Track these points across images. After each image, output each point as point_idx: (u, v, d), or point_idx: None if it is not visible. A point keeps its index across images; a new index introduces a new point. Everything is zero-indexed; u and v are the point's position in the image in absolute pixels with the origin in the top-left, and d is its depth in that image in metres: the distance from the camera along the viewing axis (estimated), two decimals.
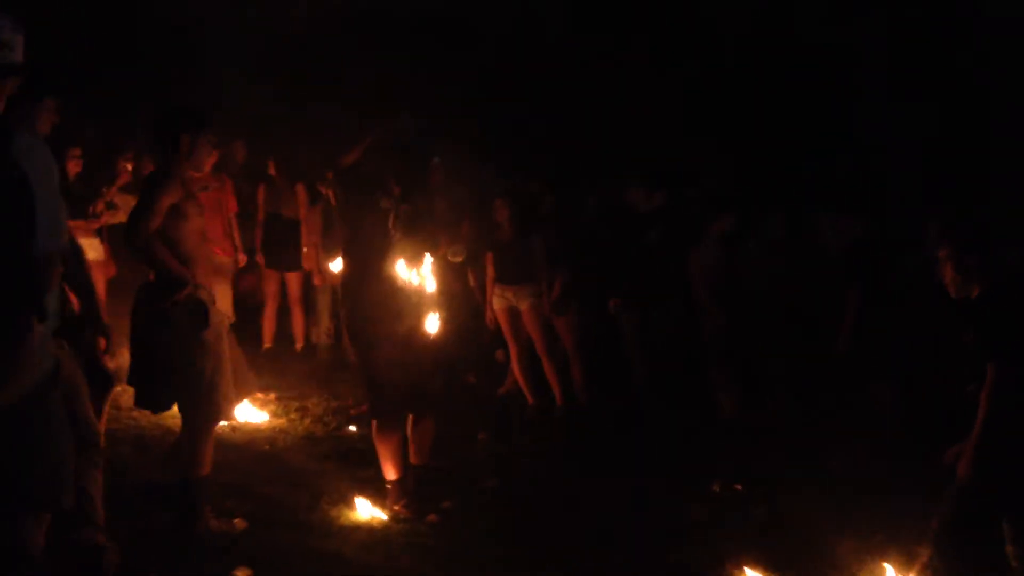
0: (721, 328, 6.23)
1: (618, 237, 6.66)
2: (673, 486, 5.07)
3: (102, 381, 3.51)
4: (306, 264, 7.95)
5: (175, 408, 4.18)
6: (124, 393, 5.79)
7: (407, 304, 4.51)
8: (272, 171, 7.97)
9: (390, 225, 4.46)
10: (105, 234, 7.01)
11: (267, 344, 8.01)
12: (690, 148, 8.82)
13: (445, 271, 6.04)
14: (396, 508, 4.58)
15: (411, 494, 4.62)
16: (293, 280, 8.12)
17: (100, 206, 6.73)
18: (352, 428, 6.02)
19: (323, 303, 8.01)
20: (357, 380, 6.69)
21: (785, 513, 4.66)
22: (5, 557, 2.06)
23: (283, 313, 8.30)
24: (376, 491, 4.68)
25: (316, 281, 8.00)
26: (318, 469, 5.17)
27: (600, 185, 7.54)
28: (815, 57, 9.67)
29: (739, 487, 5.03)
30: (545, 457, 5.76)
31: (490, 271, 6.72)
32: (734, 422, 6.13)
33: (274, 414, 6.24)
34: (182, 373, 4.03)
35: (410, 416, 4.70)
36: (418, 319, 4.55)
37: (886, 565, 4.00)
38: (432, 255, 4.70)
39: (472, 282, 7.43)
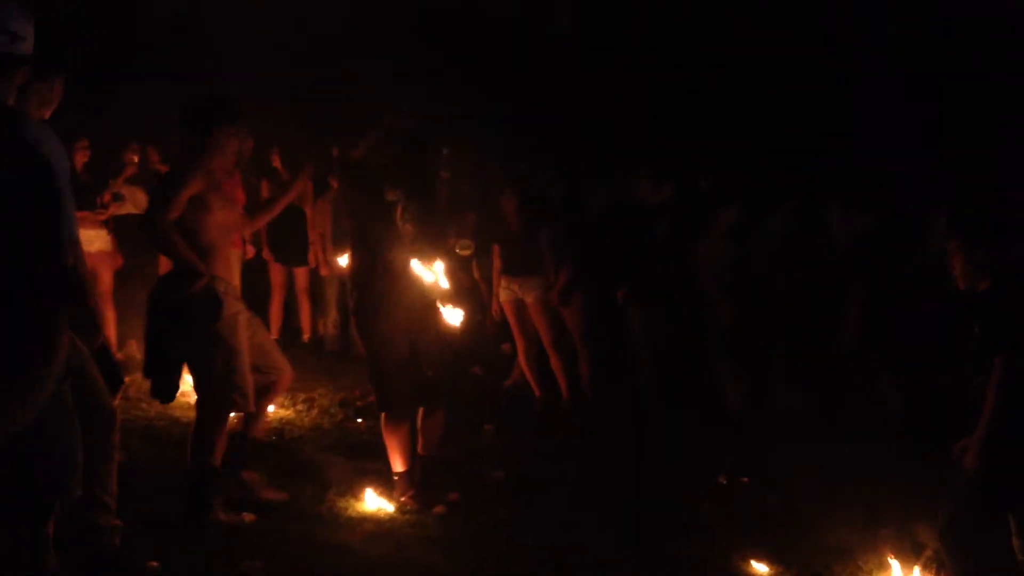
0: (729, 321, 6.22)
1: (626, 230, 6.65)
2: (680, 479, 5.07)
3: (113, 376, 3.53)
4: (311, 257, 7.96)
5: (184, 398, 4.20)
6: (132, 384, 5.83)
7: (416, 296, 4.52)
8: (276, 164, 7.98)
9: (397, 217, 4.46)
10: (112, 225, 7.03)
11: (274, 335, 8.02)
12: (698, 141, 8.80)
13: (452, 264, 6.05)
14: (403, 500, 4.59)
15: (418, 486, 4.63)
16: (300, 272, 8.14)
17: (107, 197, 6.75)
18: (359, 420, 6.04)
19: (330, 294, 8.02)
20: (364, 372, 6.71)
21: (792, 506, 4.66)
22: (14, 543, 2.05)
23: (290, 304, 8.32)
24: (383, 483, 4.69)
25: (323, 272, 8.02)
26: (325, 460, 5.19)
27: (608, 177, 7.53)
28: (823, 51, 9.63)
29: (746, 480, 5.03)
30: (551, 450, 5.76)
31: (496, 263, 6.72)
32: (741, 415, 6.13)
33: (281, 405, 6.26)
34: (194, 364, 4.05)
35: (420, 408, 4.70)
36: (427, 311, 4.56)
37: (892, 558, 3.99)
38: (440, 248, 4.70)
39: (477, 274, 7.44)
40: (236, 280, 4.25)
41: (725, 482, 5.01)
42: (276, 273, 8.07)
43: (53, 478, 2.11)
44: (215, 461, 4.14)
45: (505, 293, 6.66)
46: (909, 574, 3.96)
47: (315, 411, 6.23)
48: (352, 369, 7.14)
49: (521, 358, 6.77)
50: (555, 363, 6.56)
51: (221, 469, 4.21)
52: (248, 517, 4.24)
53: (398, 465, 4.62)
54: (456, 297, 4.79)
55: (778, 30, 9.86)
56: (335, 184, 7.31)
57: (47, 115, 3.25)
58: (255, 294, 8.06)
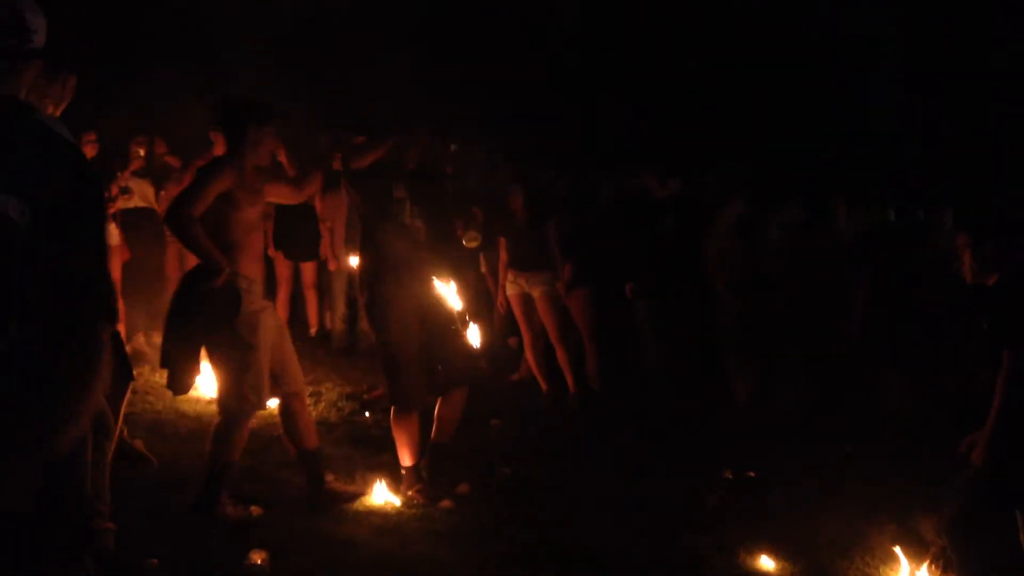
0: (737, 315, 6.21)
1: (632, 224, 6.64)
2: (686, 473, 5.07)
3: (124, 371, 3.53)
4: (322, 251, 7.95)
5: (192, 393, 4.20)
6: (139, 376, 5.84)
7: (427, 292, 4.54)
8: (282, 159, 7.94)
9: (406, 215, 4.47)
10: (119, 218, 7.04)
11: None
12: (705, 136, 8.79)
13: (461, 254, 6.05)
14: (410, 494, 4.60)
15: (425, 480, 4.63)
16: (307, 266, 8.13)
17: (115, 190, 6.76)
18: (366, 414, 6.04)
19: (338, 288, 8.01)
20: (370, 366, 6.73)
21: (798, 501, 4.66)
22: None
23: (296, 299, 8.32)
24: (390, 476, 4.70)
25: (331, 266, 8.01)
26: (332, 454, 5.19)
27: (615, 171, 7.52)
28: (827, 47, 9.61)
29: (752, 475, 5.03)
30: (558, 444, 5.76)
31: (503, 257, 6.72)
32: (747, 410, 6.12)
33: None
34: (212, 358, 4.09)
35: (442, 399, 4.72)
36: (438, 306, 4.57)
37: (899, 553, 3.99)
38: (449, 244, 4.72)
39: (484, 268, 7.44)
40: (260, 277, 4.21)
41: (731, 477, 5.00)
42: (282, 267, 8.06)
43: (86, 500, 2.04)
44: (230, 456, 4.14)
45: (512, 287, 6.66)
46: (916, 570, 3.95)
47: (322, 405, 6.24)
48: (359, 363, 7.14)
49: (528, 352, 6.78)
50: (561, 357, 6.56)
51: (236, 464, 4.21)
52: (255, 510, 4.25)
53: (406, 459, 4.63)
54: (472, 314, 4.81)
55: (782, 26, 9.83)
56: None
57: (59, 111, 3.25)
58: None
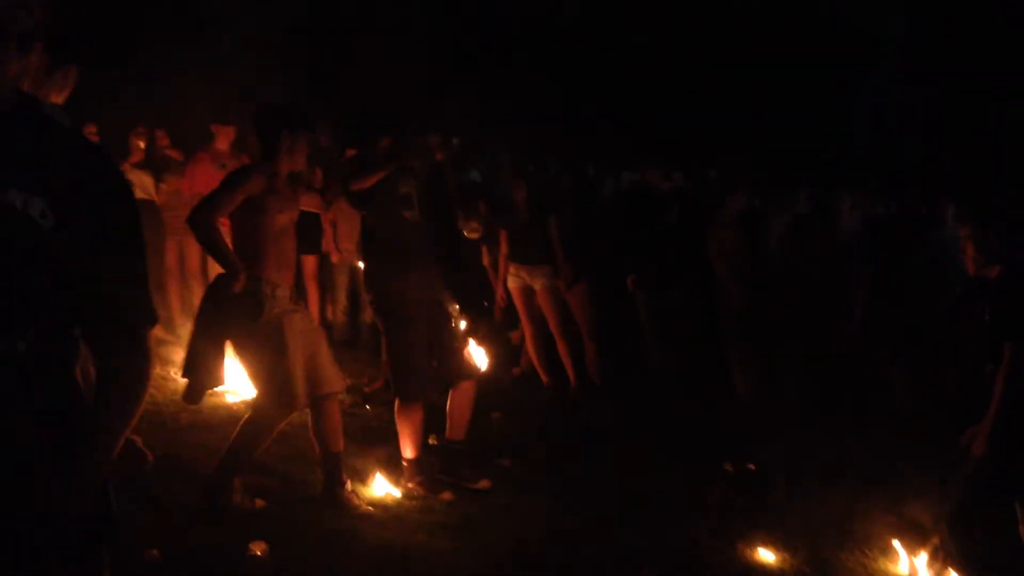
0: (738, 309, 6.21)
1: (636, 217, 6.64)
2: (687, 466, 5.07)
3: None
4: (323, 244, 7.95)
5: None
6: None
7: (432, 287, 4.56)
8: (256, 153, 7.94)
9: (413, 208, 4.48)
10: None
11: None
12: (709, 129, 8.78)
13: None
14: (411, 486, 4.60)
15: (427, 473, 4.64)
16: (308, 259, 8.12)
17: None
18: (367, 407, 6.04)
19: (340, 281, 8.00)
20: (372, 358, 6.74)
21: (798, 493, 4.66)
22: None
23: (298, 291, 8.32)
24: (391, 469, 4.70)
25: (333, 259, 8.00)
26: None
27: (618, 165, 7.53)
28: (835, 40, 9.59)
29: (752, 467, 5.03)
30: (559, 437, 5.76)
31: (503, 250, 6.71)
32: (749, 403, 6.12)
33: None
34: (242, 361, 4.11)
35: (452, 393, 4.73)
36: (445, 302, 4.58)
37: (898, 546, 3.99)
38: (453, 241, 4.73)
39: (486, 260, 7.43)
40: (288, 283, 4.20)
41: (732, 469, 5.01)
42: None
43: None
44: (251, 452, 4.15)
45: (513, 280, 6.66)
46: (915, 561, 3.95)
47: None
48: (361, 356, 7.14)
49: (529, 345, 6.77)
50: (563, 350, 6.56)
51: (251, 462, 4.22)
52: (259, 503, 4.25)
53: (408, 451, 4.64)
54: (479, 337, 4.81)
55: (785, 20, 9.81)
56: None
57: (61, 102, 3.23)
58: None
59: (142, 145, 7.20)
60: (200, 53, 8.97)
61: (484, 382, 6.59)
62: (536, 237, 6.52)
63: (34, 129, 1.70)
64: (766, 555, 4.05)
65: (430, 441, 4.95)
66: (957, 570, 3.75)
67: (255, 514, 4.15)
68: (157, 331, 6.33)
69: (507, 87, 9.77)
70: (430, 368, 4.58)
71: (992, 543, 3.57)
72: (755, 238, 6.35)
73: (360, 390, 6.38)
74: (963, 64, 8.70)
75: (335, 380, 4.29)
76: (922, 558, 3.97)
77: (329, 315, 8.26)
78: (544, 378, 6.70)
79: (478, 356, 4.67)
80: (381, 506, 4.44)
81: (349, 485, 4.42)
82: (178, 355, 6.17)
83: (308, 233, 7.95)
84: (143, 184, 7.21)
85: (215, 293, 4.07)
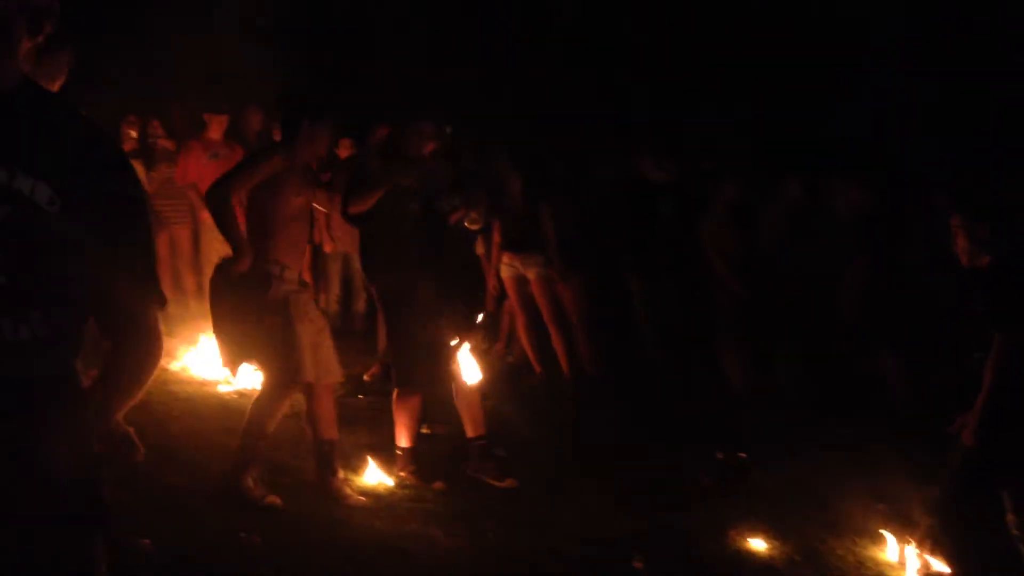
0: (733, 298, 6.22)
1: (629, 207, 6.64)
2: (679, 455, 5.09)
3: None
4: (315, 233, 7.94)
5: (183, 374, 4.21)
6: None
7: (438, 278, 4.57)
8: (278, 139, 7.92)
9: (413, 200, 4.49)
10: None
11: None
12: (704, 117, 8.76)
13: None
14: (403, 475, 4.61)
15: (419, 462, 4.65)
16: None
17: None
18: (360, 396, 6.05)
19: (333, 270, 8.00)
20: (365, 346, 6.74)
21: (789, 481, 4.68)
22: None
23: None
24: (384, 458, 4.71)
25: (326, 248, 7.99)
26: None
27: (612, 156, 7.51)
28: (830, 25, 9.56)
29: (743, 456, 5.05)
30: (552, 426, 5.77)
31: (496, 239, 6.70)
32: (742, 392, 6.14)
33: None
34: (250, 339, 4.12)
35: (455, 389, 4.73)
36: (448, 292, 4.59)
37: (887, 533, 4.01)
38: (451, 223, 4.73)
39: (480, 250, 7.42)
40: (297, 265, 4.23)
41: (722, 457, 5.03)
42: None
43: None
44: (263, 429, 4.15)
45: (507, 269, 6.66)
46: (902, 549, 3.98)
47: None
48: (353, 344, 7.13)
49: (521, 334, 6.78)
50: (556, 339, 6.57)
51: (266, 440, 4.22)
52: (273, 499, 4.15)
53: (403, 441, 4.65)
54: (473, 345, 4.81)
55: (779, 5, 9.78)
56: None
57: (56, 88, 3.21)
58: None
59: (134, 134, 7.17)
60: (194, 39, 8.91)
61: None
62: (530, 226, 6.52)
63: (39, 111, 1.68)
64: (756, 543, 4.07)
65: (423, 430, 4.96)
66: (945, 558, 3.78)
67: (272, 508, 4.10)
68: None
69: (500, 74, 9.74)
70: (431, 359, 4.58)
71: (981, 530, 3.58)
72: (747, 229, 6.35)
73: (353, 379, 6.38)
74: (959, 53, 8.68)
75: (335, 370, 4.32)
76: (911, 546, 3.99)
77: (322, 304, 8.26)
78: (537, 367, 6.71)
79: (471, 367, 4.65)
80: (373, 495, 4.45)
81: (341, 474, 4.43)
82: (169, 344, 6.18)
83: None
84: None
85: (223, 273, 4.12)
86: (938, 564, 3.88)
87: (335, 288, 8.03)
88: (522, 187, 6.55)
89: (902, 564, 4.04)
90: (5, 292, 1.60)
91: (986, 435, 3.50)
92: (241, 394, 5.79)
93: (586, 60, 10.01)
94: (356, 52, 10.07)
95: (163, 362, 5.49)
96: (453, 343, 4.62)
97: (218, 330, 4.19)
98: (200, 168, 6.90)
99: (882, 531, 4.05)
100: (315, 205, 7.83)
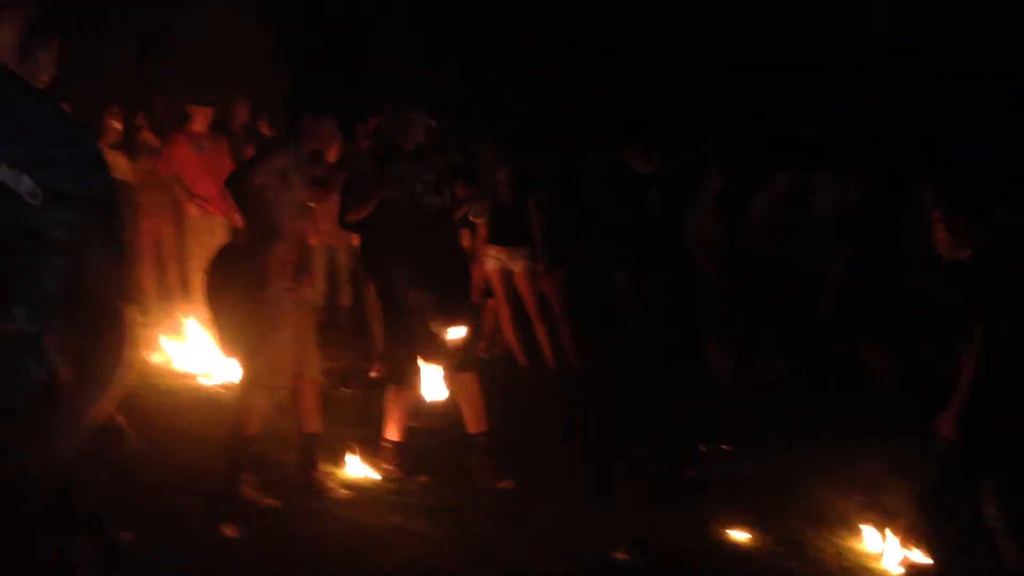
0: (716, 290, 6.24)
1: (616, 199, 6.65)
2: (662, 446, 5.11)
3: None
4: None
5: (164, 367, 4.20)
6: None
7: (437, 273, 4.57)
8: (264, 130, 7.89)
9: (407, 193, 4.49)
10: None
11: None
12: (692, 110, 8.77)
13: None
14: (388, 467, 4.61)
15: (405, 455, 4.64)
16: None
17: None
18: (344, 389, 6.04)
19: (318, 263, 7.96)
20: (349, 341, 6.74)
21: (771, 473, 4.71)
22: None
23: None
24: (367, 451, 4.70)
25: (311, 241, 7.96)
26: None
27: (598, 147, 7.51)
28: (818, 21, 9.58)
29: (726, 448, 5.07)
30: (536, 419, 5.78)
31: (482, 232, 6.70)
32: (725, 383, 6.16)
33: None
34: (232, 331, 4.13)
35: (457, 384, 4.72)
36: (440, 287, 4.59)
37: (868, 526, 4.04)
38: (453, 217, 4.75)
39: (467, 243, 7.42)
40: (293, 259, 4.23)
41: (706, 450, 5.05)
42: None
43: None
44: (245, 430, 4.13)
45: (492, 262, 6.65)
46: (884, 541, 4.00)
47: None
48: (336, 337, 7.11)
49: (506, 327, 6.78)
50: (540, 332, 6.58)
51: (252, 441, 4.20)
52: (271, 502, 4.13)
53: (392, 434, 4.66)
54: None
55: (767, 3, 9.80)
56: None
57: (43, 82, 3.19)
58: None
59: (118, 126, 7.12)
60: (181, 30, 8.87)
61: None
62: (516, 219, 6.52)
63: (20, 104, 1.68)
64: (738, 535, 4.09)
65: (412, 424, 4.94)
66: (926, 550, 3.81)
67: (266, 510, 4.07)
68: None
69: (487, 67, 9.73)
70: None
71: (960, 522, 3.61)
72: (734, 223, 6.37)
73: (337, 373, 6.37)
74: (944, 51, 8.72)
75: (316, 364, 4.32)
76: (892, 538, 4.02)
77: (309, 297, 8.23)
78: (522, 360, 6.71)
79: (436, 384, 4.64)
80: (356, 488, 4.45)
81: (324, 467, 4.42)
82: (151, 337, 6.16)
83: None
84: (119, 165, 7.13)
85: (221, 265, 4.15)
86: (918, 556, 3.91)
87: (320, 282, 8.00)
88: (508, 180, 6.55)
89: (882, 555, 4.07)
90: None
91: (966, 428, 3.52)
92: (225, 387, 5.78)
93: (574, 53, 10.01)
94: (344, 44, 10.04)
95: (146, 355, 5.54)
96: (448, 335, 4.62)
97: (216, 321, 4.21)
98: (185, 161, 6.87)
99: (863, 523, 4.07)
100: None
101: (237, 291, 4.05)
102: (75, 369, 1.79)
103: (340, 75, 9.40)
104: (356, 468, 4.60)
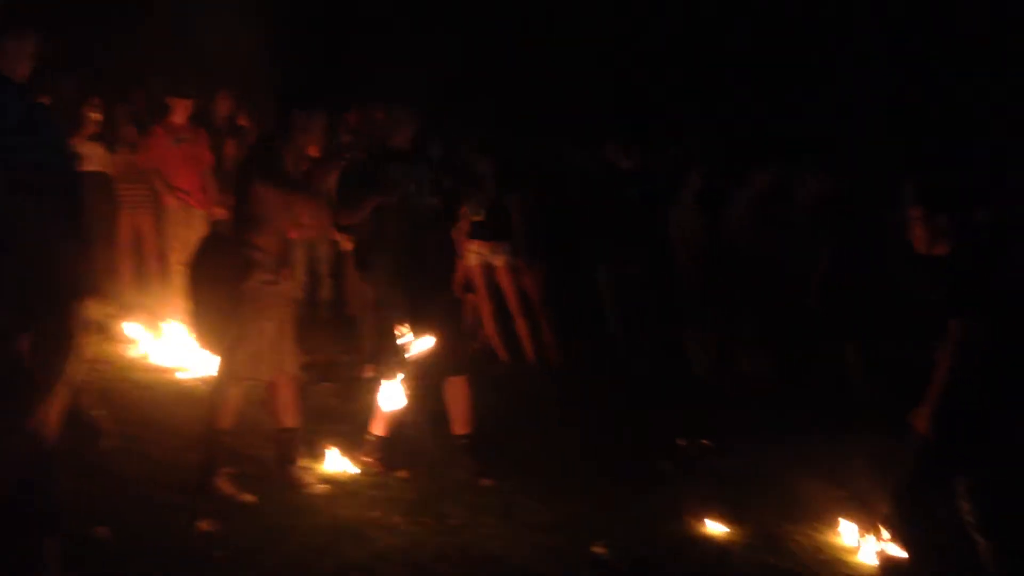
0: (697, 286, 6.26)
1: (597, 195, 6.65)
2: (642, 441, 5.12)
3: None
4: None
5: (142, 360, 4.18)
6: (90, 345, 5.76)
7: (431, 271, 4.58)
8: (243, 123, 7.83)
9: (400, 192, 4.48)
10: None
11: None
12: (673, 106, 8.79)
13: None
14: (368, 460, 4.59)
15: (386, 450, 4.63)
16: None
17: None
18: (323, 383, 6.01)
19: (298, 256, 7.92)
20: (330, 335, 6.71)
21: (749, 467, 4.73)
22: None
23: None
24: (346, 446, 4.69)
25: (292, 235, 7.91)
26: None
27: (580, 144, 7.52)
28: (800, 16, 9.61)
29: (705, 442, 5.09)
30: (515, 412, 5.78)
31: (463, 226, 6.68)
32: (707, 379, 6.19)
33: None
34: (219, 325, 4.11)
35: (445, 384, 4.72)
36: (428, 297, 4.58)
37: (844, 520, 4.06)
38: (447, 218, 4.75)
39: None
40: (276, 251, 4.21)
41: (685, 445, 5.06)
42: None
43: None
44: (220, 422, 4.13)
45: (474, 257, 6.65)
46: (860, 535, 4.03)
47: None
48: (313, 333, 7.07)
49: (487, 322, 6.77)
50: (521, 327, 6.58)
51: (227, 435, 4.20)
52: (247, 497, 4.10)
53: (378, 429, 4.64)
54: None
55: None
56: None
57: (21, 73, 3.16)
58: None
59: (97, 117, 7.05)
60: (162, 22, 8.79)
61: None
62: (498, 214, 6.51)
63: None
64: (715, 528, 4.11)
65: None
66: (900, 544, 3.83)
67: (242, 505, 4.04)
68: (106, 306, 6.29)
69: (469, 64, 9.71)
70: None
71: (934, 517, 3.64)
72: (714, 218, 6.39)
73: (315, 367, 6.34)
74: (927, 49, 8.77)
75: (295, 358, 4.32)
76: (868, 532, 4.05)
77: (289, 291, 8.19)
78: (502, 355, 6.71)
79: (394, 393, 4.63)
80: (335, 482, 4.44)
81: (302, 462, 4.41)
82: (130, 329, 6.11)
83: None
84: (98, 156, 7.07)
85: (202, 257, 4.15)
86: (894, 549, 3.94)
87: (300, 275, 7.96)
88: (491, 176, 6.54)
89: (858, 549, 4.10)
90: None
91: (940, 423, 3.54)
92: (203, 381, 5.74)
93: (557, 49, 10.00)
94: (326, 38, 9.99)
95: (123, 349, 5.49)
96: (413, 344, 4.62)
97: (196, 313, 4.20)
98: (164, 153, 6.82)
99: (839, 517, 4.10)
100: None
101: (218, 283, 4.07)
102: (32, 363, 1.78)
103: (321, 69, 9.35)
104: (335, 462, 4.59)
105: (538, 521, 4.15)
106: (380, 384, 4.62)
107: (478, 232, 6.59)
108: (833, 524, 4.14)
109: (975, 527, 3.61)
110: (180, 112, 6.92)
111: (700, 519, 4.16)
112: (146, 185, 7.00)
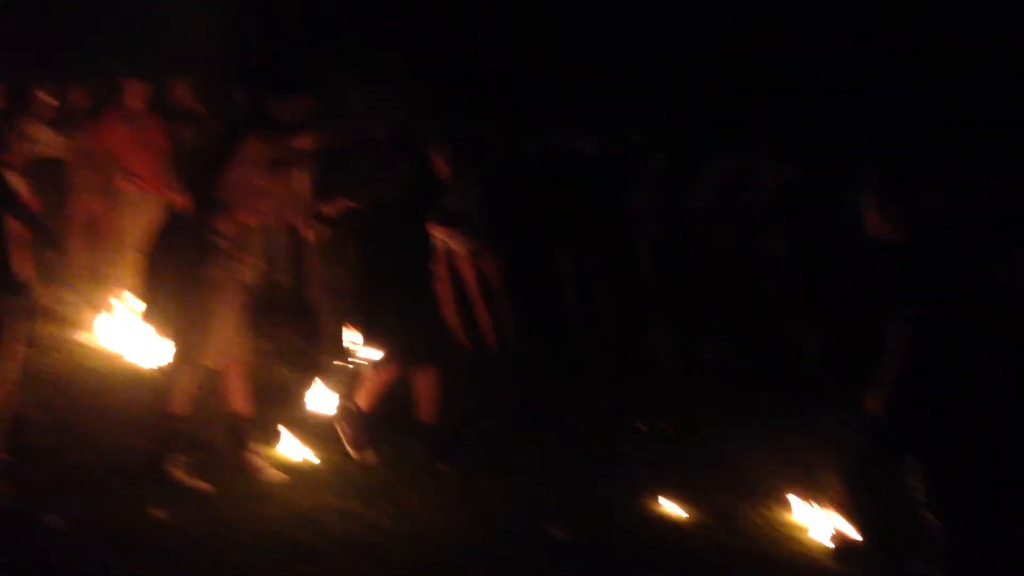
0: (659, 271, 6.29)
1: (559, 180, 6.64)
2: (601, 423, 5.15)
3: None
4: None
5: (92, 345, 4.13)
6: (41, 331, 5.66)
7: (402, 262, 4.64)
8: (200, 109, 7.70)
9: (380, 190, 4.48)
10: (23, 168, 6.75)
11: None
12: (634, 91, 8.79)
13: None
14: (339, 428, 4.56)
15: (358, 428, 4.60)
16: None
17: (13, 139, 6.46)
18: (282, 369, 5.97)
19: (257, 243, 7.83)
20: (285, 320, 6.66)
21: (704, 448, 4.78)
22: None
23: None
24: (303, 432, 4.65)
25: (251, 221, 7.82)
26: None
27: (543, 126, 7.49)
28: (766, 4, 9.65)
29: (664, 425, 5.12)
30: (476, 397, 5.77)
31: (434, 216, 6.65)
32: (665, 363, 6.22)
33: None
34: (174, 310, 4.10)
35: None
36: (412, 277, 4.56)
37: (796, 498, 4.12)
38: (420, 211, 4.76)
39: None
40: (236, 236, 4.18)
41: (643, 427, 5.10)
42: None
43: None
44: (173, 408, 4.10)
45: (435, 243, 6.61)
46: (812, 513, 4.09)
47: None
48: (273, 318, 7.01)
49: (447, 307, 6.74)
50: (481, 313, 6.55)
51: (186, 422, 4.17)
52: (201, 484, 4.07)
53: (361, 401, 4.61)
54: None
55: None
56: None
57: None
58: None
59: (51, 101, 6.91)
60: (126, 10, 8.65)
61: None
62: (458, 199, 6.47)
63: None
64: (671, 508, 4.15)
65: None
66: (852, 522, 3.90)
67: (198, 494, 4.02)
68: (60, 292, 6.17)
69: (431, 46, 9.64)
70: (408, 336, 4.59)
71: (885, 495, 3.70)
72: (677, 202, 6.41)
73: (278, 353, 6.29)
74: (890, 39, 8.84)
75: (248, 344, 4.31)
76: (821, 511, 4.11)
77: (247, 277, 8.10)
78: (462, 339, 6.69)
79: (323, 398, 4.61)
80: (292, 469, 4.40)
81: (258, 448, 4.37)
82: (81, 316, 6.02)
83: None
84: (51, 141, 6.92)
85: (157, 241, 4.13)
86: (846, 527, 4.00)
87: (259, 261, 7.87)
88: (450, 161, 6.49)
89: (811, 527, 4.16)
90: None
91: (891, 404, 3.60)
92: (157, 367, 5.67)
93: (523, 31, 9.97)
94: (290, 23, 9.87)
95: (75, 335, 5.40)
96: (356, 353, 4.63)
97: (151, 298, 4.20)
98: (118, 137, 6.70)
99: (792, 495, 4.16)
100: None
101: (174, 268, 4.05)
102: None
103: (283, 54, 9.24)
104: (292, 449, 4.55)
105: (496, 505, 4.16)
106: (377, 361, 4.59)
107: (438, 217, 6.55)
108: (787, 503, 4.20)
109: (924, 505, 3.68)
110: (135, 96, 6.80)
111: (656, 500, 4.20)
112: (99, 170, 6.87)
